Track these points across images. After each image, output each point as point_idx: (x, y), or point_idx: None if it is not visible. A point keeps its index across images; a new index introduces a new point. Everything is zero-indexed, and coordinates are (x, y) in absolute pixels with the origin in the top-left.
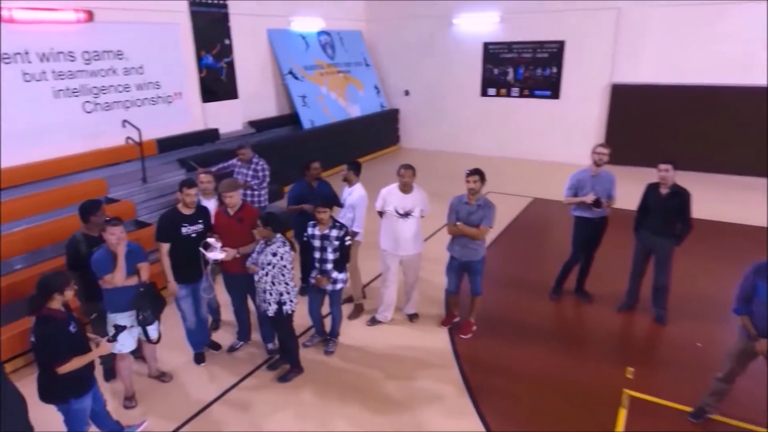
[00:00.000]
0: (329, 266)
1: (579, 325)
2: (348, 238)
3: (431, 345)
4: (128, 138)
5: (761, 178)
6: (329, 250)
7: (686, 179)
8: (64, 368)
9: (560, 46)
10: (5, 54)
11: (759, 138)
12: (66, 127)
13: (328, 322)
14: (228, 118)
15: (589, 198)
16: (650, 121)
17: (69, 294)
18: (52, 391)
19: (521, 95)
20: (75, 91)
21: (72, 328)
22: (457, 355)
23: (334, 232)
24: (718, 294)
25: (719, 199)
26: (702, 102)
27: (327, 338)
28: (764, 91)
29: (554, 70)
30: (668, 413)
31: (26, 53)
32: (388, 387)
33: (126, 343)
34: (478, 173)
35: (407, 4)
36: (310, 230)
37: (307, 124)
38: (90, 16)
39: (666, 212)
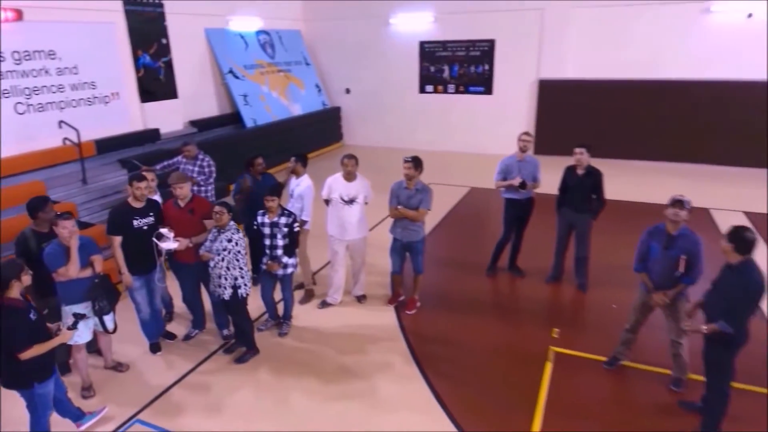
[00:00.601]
0: (279, 252)
1: (512, 296)
2: (297, 225)
3: (379, 322)
4: (65, 139)
5: (669, 163)
6: (279, 236)
7: (605, 165)
8: (27, 354)
9: (491, 44)
10: None
11: (668, 127)
12: None
13: (280, 308)
14: (168, 117)
15: (516, 181)
16: (574, 113)
17: (26, 279)
18: (16, 377)
19: (457, 91)
20: (6, 91)
21: (32, 316)
22: (404, 329)
23: (283, 219)
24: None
25: (633, 181)
26: (619, 95)
27: (281, 321)
28: (671, 83)
29: (486, 67)
30: (588, 364)
31: None
32: (340, 360)
33: (82, 334)
34: (413, 160)
35: (345, 4)
36: (260, 218)
37: (249, 123)
38: (19, 15)
39: (582, 190)
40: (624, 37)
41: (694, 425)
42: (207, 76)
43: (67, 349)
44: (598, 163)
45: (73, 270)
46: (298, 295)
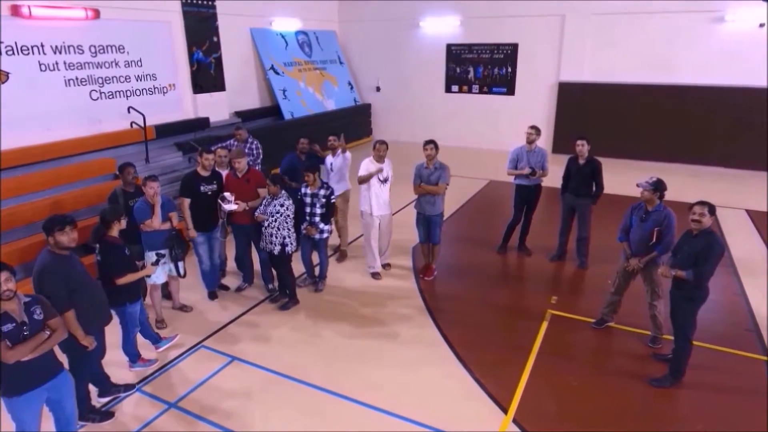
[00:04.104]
0: (317, 219)
1: (518, 270)
2: (333, 196)
3: (400, 285)
4: (133, 122)
5: (682, 165)
6: (318, 206)
7: (619, 165)
8: (122, 280)
9: (514, 48)
10: (24, 46)
11: (681, 130)
12: (75, 112)
13: (316, 271)
14: (216, 108)
15: (526, 170)
16: (591, 114)
17: (123, 223)
18: (114, 298)
19: (481, 92)
20: (83, 80)
21: (126, 252)
22: (421, 290)
23: (322, 191)
24: None
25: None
26: (634, 98)
27: (317, 279)
28: (685, 88)
29: (509, 69)
30: (579, 325)
31: (42, 46)
32: (365, 310)
33: (159, 276)
34: (432, 142)
35: (377, 7)
36: (303, 189)
37: (287, 115)
38: (96, 14)
39: (583, 177)
40: (640, 42)
41: (664, 372)
42: (251, 71)
43: (144, 291)
44: (611, 162)
45: (156, 222)
46: (334, 257)
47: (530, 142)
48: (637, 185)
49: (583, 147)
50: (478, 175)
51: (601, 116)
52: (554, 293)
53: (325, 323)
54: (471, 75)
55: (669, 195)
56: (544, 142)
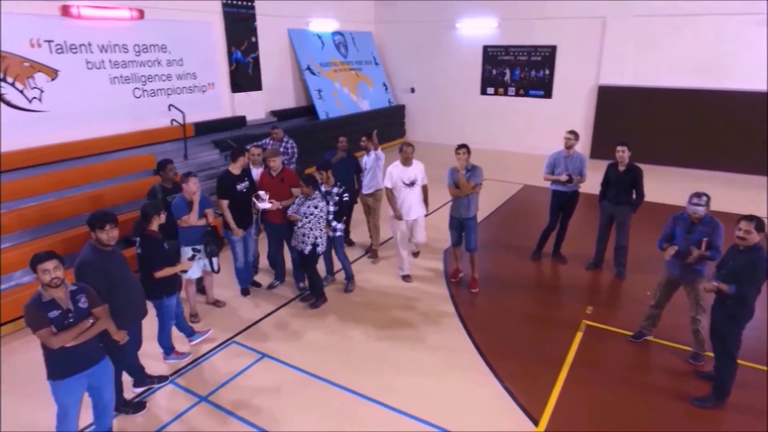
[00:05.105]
0: (330, 217)
1: (552, 277)
2: (346, 195)
3: (430, 288)
4: (173, 120)
5: (727, 173)
6: (331, 204)
7: (660, 172)
8: (160, 273)
9: (552, 50)
10: (72, 45)
11: (725, 137)
12: (118, 109)
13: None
14: (253, 107)
15: (563, 177)
16: (632, 119)
17: (162, 217)
18: (151, 290)
19: (517, 94)
20: (127, 78)
21: (165, 246)
22: (451, 294)
23: (335, 189)
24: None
25: (688, 188)
26: (676, 102)
27: (345, 281)
28: (729, 93)
29: (547, 71)
30: (615, 336)
31: (89, 44)
32: (394, 313)
33: (194, 271)
34: (464, 146)
35: (414, 8)
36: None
37: (322, 116)
38: (141, 14)
39: (623, 185)
40: (685, 45)
41: (707, 391)
42: (287, 71)
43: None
44: (650, 169)
45: (193, 218)
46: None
47: (568, 147)
48: (689, 205)
49: (623, 153)
50: (513, 179)
51: (642, 121)
52: (590, 303)
53: (354, 324)
54: (507, 77)
55: (714, 206)
56: (582, 146)
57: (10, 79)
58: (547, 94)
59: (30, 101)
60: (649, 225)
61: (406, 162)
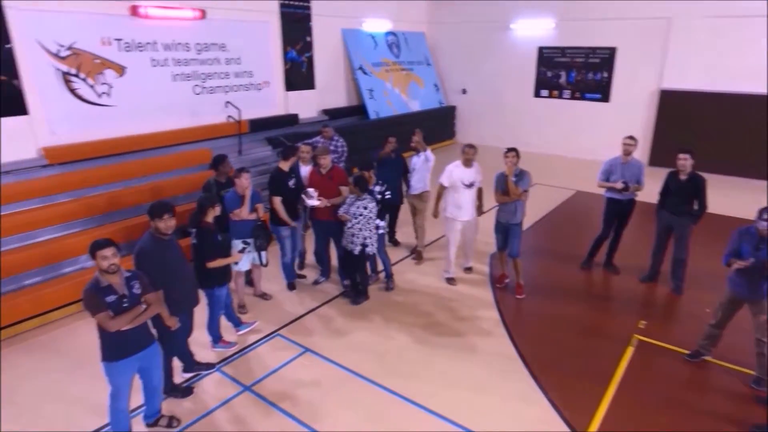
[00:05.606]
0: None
1: (604, 289)
2: (388, 193)
3: (474, 292)
4: (229, 116)
5: None
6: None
7: (724, 182)
8: (213, 264)
9: (612, 52)
10: (139, 43)
11: None
12: (179, 105)
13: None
14: (306, 105)
15: (618, 185)
16: (696, 125)
17: (217, 209)
18: (205, 279)
19: (572, 97)
20: (188, 76)
21: (219, 237)
22: (496, 300)
23: (377, 188)
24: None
25: (754, 200)
26: (743, 109)
27: (385, 280)
28: None
29: (605, 74)
30: (669, 354)
31: (155, 43)
32: (437, 316)
33: (243, 264)
34: (514, 150)
35: (468, 8)
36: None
37: (372, 115)
38: (203, 14)
39: (684, 195)
40: (757, 48)
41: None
42: (339, 71)
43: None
44: (714, 179)
45: (244, 212)
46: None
47: (627, 153)
48: (758, 220)
49: (686, 161)
50: (565, 185)
51: (706, 128)
52: (643, 317)
53: (397, 325)
54: (563, 79)
55: None
56: (641, 153)
57: (82, 75)
58: (605, 98)
59: (99, 96)
60: (709, 238)
61: (468, 163)
